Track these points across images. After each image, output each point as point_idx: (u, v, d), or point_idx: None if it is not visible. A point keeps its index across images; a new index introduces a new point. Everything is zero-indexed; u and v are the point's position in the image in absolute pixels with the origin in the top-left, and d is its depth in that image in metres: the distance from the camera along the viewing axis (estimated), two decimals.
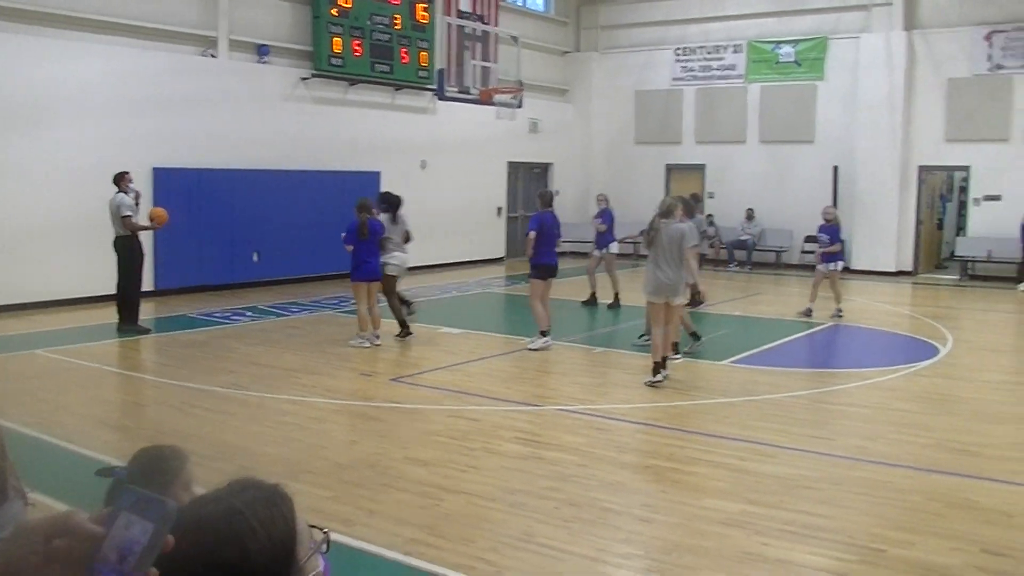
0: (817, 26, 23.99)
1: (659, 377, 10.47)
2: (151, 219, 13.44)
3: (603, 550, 5.95)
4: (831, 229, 15.87)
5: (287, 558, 1.35)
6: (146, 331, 13.46)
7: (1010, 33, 21.28)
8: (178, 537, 1.07)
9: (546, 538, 6.05)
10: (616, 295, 16.70)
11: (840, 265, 15.96)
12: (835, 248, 15.81)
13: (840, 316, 15.54)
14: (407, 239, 13.37)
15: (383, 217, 13.17)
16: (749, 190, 24.54)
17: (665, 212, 10.84)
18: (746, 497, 6.89)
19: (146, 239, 15.51)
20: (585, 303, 16.89)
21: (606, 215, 17.07)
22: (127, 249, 13.37)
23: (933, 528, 6.34)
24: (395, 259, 13.14)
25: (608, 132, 27.41)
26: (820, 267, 15.99)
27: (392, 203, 13.44)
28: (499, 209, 25.00)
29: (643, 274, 11.23)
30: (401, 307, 13.31)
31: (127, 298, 13.45)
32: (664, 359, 10.63)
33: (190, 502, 1.34)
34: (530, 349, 12.55)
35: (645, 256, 11.04)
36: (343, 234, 12.64)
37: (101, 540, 0.98)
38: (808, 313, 15.65)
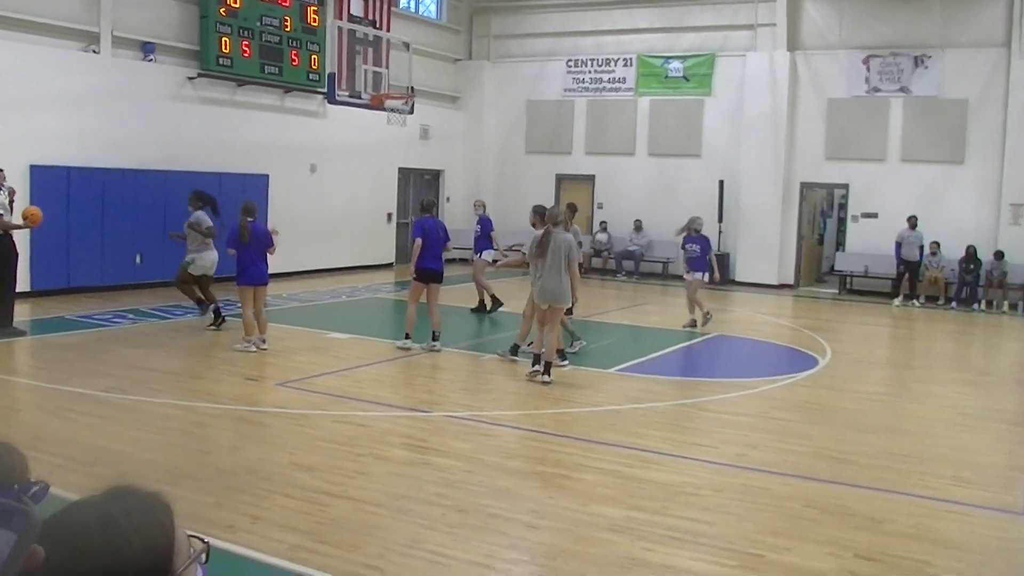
0: (705, 43, 24.51)
1: (549, 378, 10.95)
2: (25, 218, 12.99)
3: (490, 556, 5.96)
4: (701, 239, 15.94)
5: (163, 568, 1.32)
6: (21, 333, 13.01)
7: (886, 58, 22.11)
8: (49, 546, 1.03)
9: (433, 544, 6.04)
10: (481, 301, 16.74)
11: (705, 276, 16.00)
12: (693, 255, 15.88)
13: (694, 327, 15.74)
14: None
15: (202, 213, 14.02)
16: (638, 201, 24.92)
17: (556, 221, 10.98)
18: (631, 503, 6.99)
19: (21, 238, 15.01)
20: (474, 310, 16.90)
21: (484, 221, 17.03)
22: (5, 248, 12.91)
23: (809, 534, 6.52)
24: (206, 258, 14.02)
25: (499, 140, 27.52)
26: (687, 277, 16.10)
27: (208, 201, 14.18)
28: (389, 215, 24.88)
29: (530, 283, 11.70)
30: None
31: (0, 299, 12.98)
32: (549, 364, 11.04)
33: (64, 508, 1.30)
34: (397, 347, 12.89)
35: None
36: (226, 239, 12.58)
37: None
38: (693, 324, 15.86)
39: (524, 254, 11.82)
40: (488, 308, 16.79)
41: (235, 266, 12.65)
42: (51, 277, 16.33)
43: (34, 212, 13.00)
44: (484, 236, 16.86)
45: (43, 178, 16.04)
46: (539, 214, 12.08)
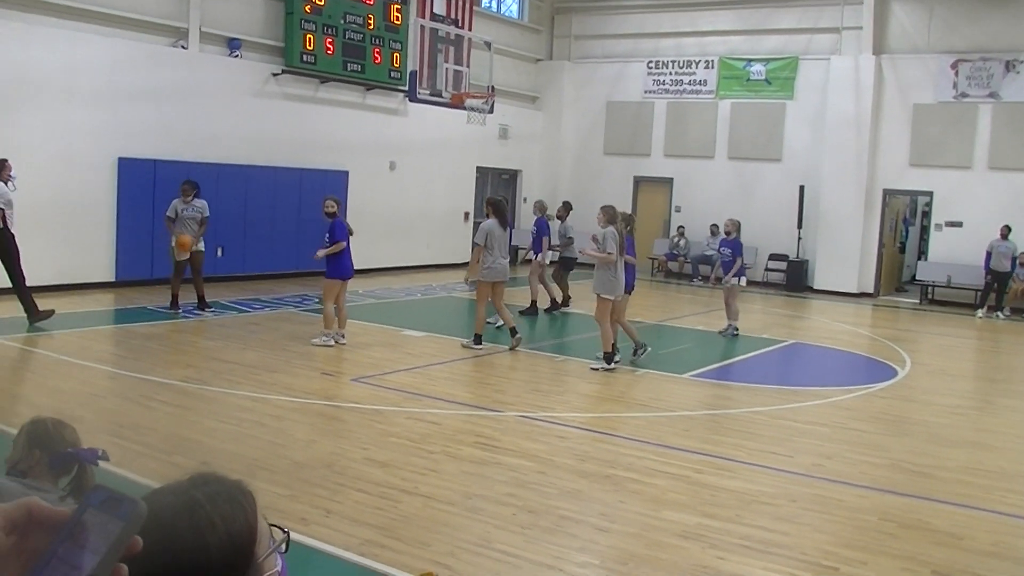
0: (788, 46, 24.20)
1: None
2: (179, 246, 14.17)
3: (560, 558, 5.95)
4: (733, 243, 15.60)
5: (246, 555, 1.33)
6: (50, 313, 12.99)
7: (975, 63, 21.60)
8: (152, 527, 1.05)
9: (503, 544, 6.04)
10: (534, 303, 16.73)
11: (743, 280, 15.70)
12: (737, 263, 15.44)
13: (736, 334, 15.41)
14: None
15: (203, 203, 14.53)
16: (715, 205, 24.67)
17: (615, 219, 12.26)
18: (703, 510, 6.92)
19: (105, 228, 15.44)
20: (547, 310, 16.91)
21: (540, 223, 16.99)
22: (5, 241, 12.89)
23: (886, 548, 6.40)
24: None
25: (577, 141, 27.48)
26: (724, 281, 15.65)
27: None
28: (466, 214, 24.98)
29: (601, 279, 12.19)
30: None
31: (20, 290, 12.95)
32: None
33: (150, 493, 1.32)
34: (462, 345, 13.02)
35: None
36: (327, 233, 12.57)
37: (68, 531, 0.95)
38: (735, 331, 15.50)
39: (609, 253, 11.93)
40: (549, 307, 16.84)
41: (329, 259, 12.61)
42: (135, 268, 16.70)
43: (184, 242, 14.07)
44: (539, 239, 16.83)
45: (130, 170, 16.41)
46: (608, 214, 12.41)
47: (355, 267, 12.72)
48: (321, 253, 12.50)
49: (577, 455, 8.28)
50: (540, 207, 17.75)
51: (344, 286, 12.74)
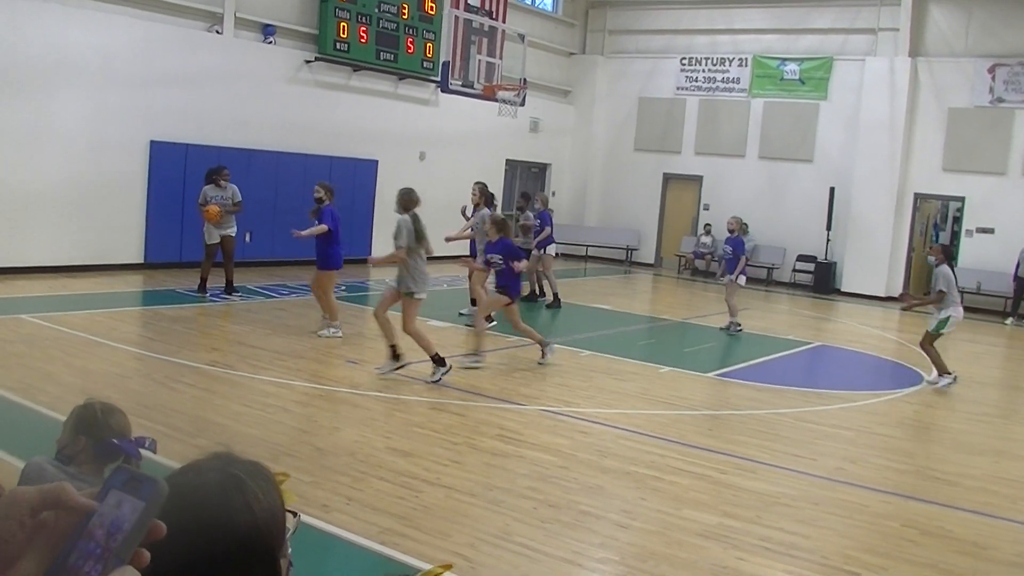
0: (823, 46, 24.04)
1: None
2: (207, 215, 14.35)
3: (579, 553, 5.95)
4: (735, 241, 15.66)
5: (281, 530, 1.35)
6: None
7: (1013, 67, 21.36)
8: (179, 507, 1.05)
9: (523, 537, 6.05)
10: (556, 296, 16.70)
11: (741, 279, 15.61)
12: (741, 262, 15.52)
13: (740, 330, 15.47)
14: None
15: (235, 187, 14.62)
16: (745, 205, 24.51)
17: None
18: (724, 510, 6.90)
19: (135, 210, 15.59)
20: (549, 305, 16.89)
21: (544, 216, 16.92)
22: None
23: (907, 555, 6.36)
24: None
25: (608, 136, 27.41)
26: (723, 279, 15.84)
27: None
28: (495, 206, 24.91)
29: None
30: None
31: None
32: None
33: (179, 471, 1.32)
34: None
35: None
36: (316, 219, 12.46)
37: (91, 514, 0.96)
38: (738, 327, 15.57)
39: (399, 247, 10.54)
40: (552, 303, 16.81)
41: (321, 250, 12.42)
42: (164, 251, 16.81)
43: (213, 212, 14.22)
44: (548, 231, 16.79)
45: (162, 154, 16.51)
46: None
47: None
48: (301, 233, 12.24)
49: (599, 451, 8.27)
50: (543, 200, 17.68)
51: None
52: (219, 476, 1.30)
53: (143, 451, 3.35)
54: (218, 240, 14.46)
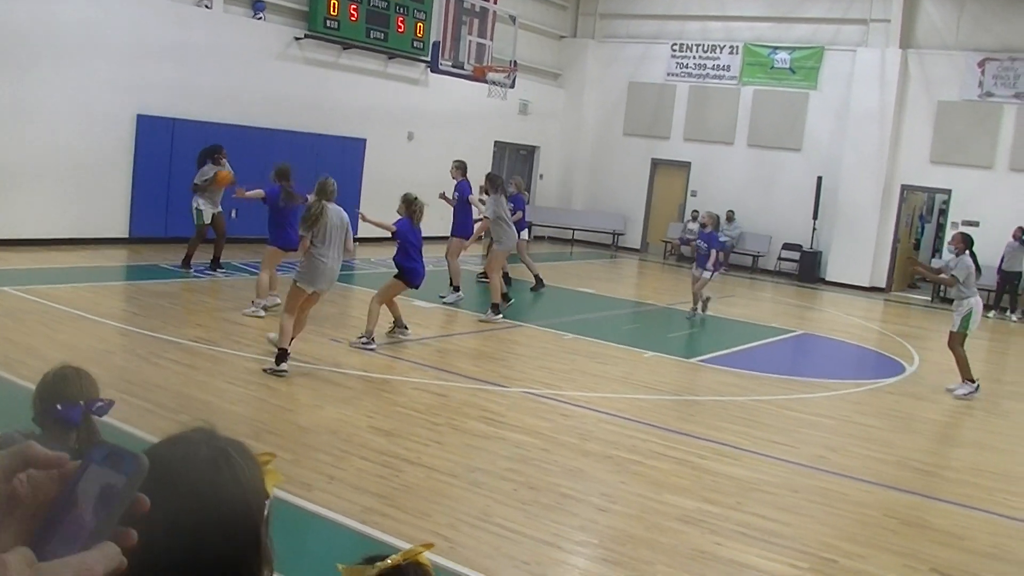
0: (815, 35, 24.03)
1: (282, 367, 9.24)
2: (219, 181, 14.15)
3: (559, 535, 5.97)
4: (709, 236, 15.49)
5: (263, 507, 1.34)
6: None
7: (1003, 62, 21.40)
8: (167, 479, 1.03)
9: (504, 519, 6.06)
10: (538, 277, 16.65)
11: (712, 275, 15.48)
12: (712, 256, 15.37)
13: (693, 316, 15.47)
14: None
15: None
16: (732, 192, 24.60)
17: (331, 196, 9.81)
18: (704, 496, 6.93)
19: (121, 184, 15.50)
20: (533, 288, 16.81)
21: (518, 200, 16.79)
22: None
23: (886, 544, 6.40)
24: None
25: (597, 120, 27.37)
26: (695, 272, 15.63)
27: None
28: (482, 187, 24.87)
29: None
30: None
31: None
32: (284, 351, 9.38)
33: (165, 442, 1.30)
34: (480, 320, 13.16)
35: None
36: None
37: (68, 477, 0.94)
38: (694, 314, 15.59)
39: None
40: (535, 286, 16.76)
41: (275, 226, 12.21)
42: (150, 226, 16.71)
43: (225, 176, 14.06)
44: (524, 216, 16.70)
45: (149, 128, 16.40)
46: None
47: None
48: (244, 193, 12.04)
49: (581, 434, 8.29)
50: (516, 184, 17.58)
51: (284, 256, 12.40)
52: (208, 450, 1.28)
53: (104, 417, 3.29)
54: (210, 220, 14.40)
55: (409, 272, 11.11)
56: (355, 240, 10.33)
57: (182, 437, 1.30)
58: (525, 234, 17.10)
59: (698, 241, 15.69)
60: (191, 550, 1.18)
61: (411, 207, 11.05)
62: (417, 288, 11.46)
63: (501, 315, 13.20)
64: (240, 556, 1.26)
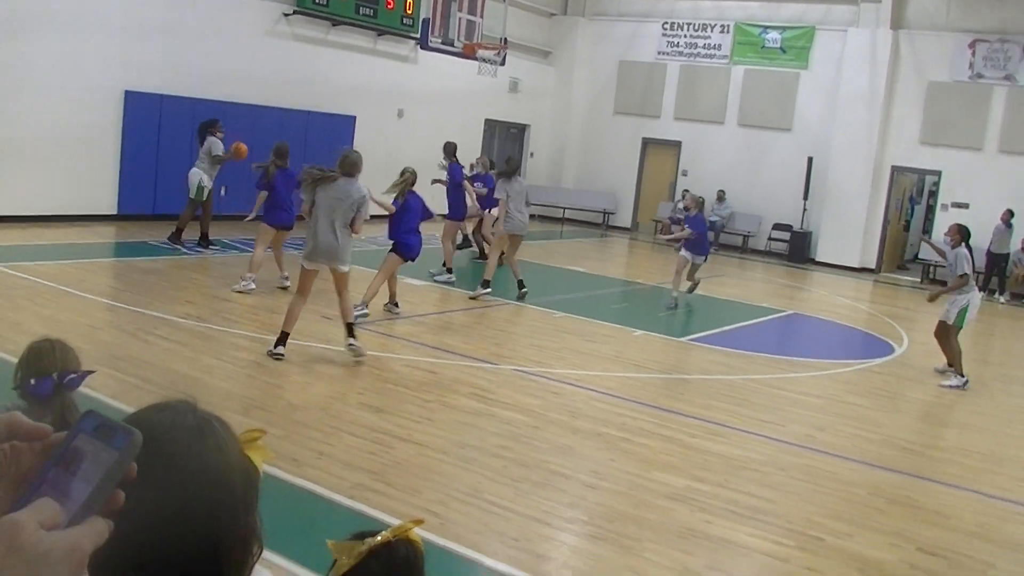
0: (806, 15, 23.98)
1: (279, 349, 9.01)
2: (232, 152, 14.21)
3: (549, 512, 5.99)
4: (695, 220, 14.82)
5: (252, 483, 1.33)
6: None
7: (993, 44, 21.40)
8: (152, 445, 1.01)
9: (493, 495, 6.08)
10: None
11: (700, 259, 14.81)
12: (686, 235, 14.76)
13: (674, 307, 14.48)
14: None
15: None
16: (723, 171, 24.58)
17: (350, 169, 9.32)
18: (693, 474, 6.96)
19: (109, 161, 15.44)
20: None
21: (488, 179, 16.65)
22: None
23: (872, 522, 6.44)
24: None
25: (587, 99, 27.30)
26: (683, 255, 14.78)
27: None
28: (472, 166, 24.83)
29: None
30: None
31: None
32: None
33: (149, 408, 1.28)
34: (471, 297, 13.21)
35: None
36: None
37: (53, 457, 0.92)
38: (675, 305, 14.63)
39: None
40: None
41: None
42: (138, 202, 16.61)
43: (240, 148, 14.12)
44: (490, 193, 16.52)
45: (136, 104, 16.28)
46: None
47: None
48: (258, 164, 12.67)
49: (570, 411, 8.31)
50: (483, 164, 17.52)
51: (280, 235, 12.61)
52: (194, 418, 1.26)
53: (93, 392, 3.29)
54: (206, 197, 14.42)
55: (404, 246, 11.27)
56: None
57: (167, 405, 1.28)
58: (493, 211, 16.85)
59: (686, 227, 15.11)
60: (174, 519, 1.17)
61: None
62: (413, 261, 11.65)
63: (489, 291, 13.19)
64: (223, 528, 1.25)
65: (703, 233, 14.96)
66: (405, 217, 11.32)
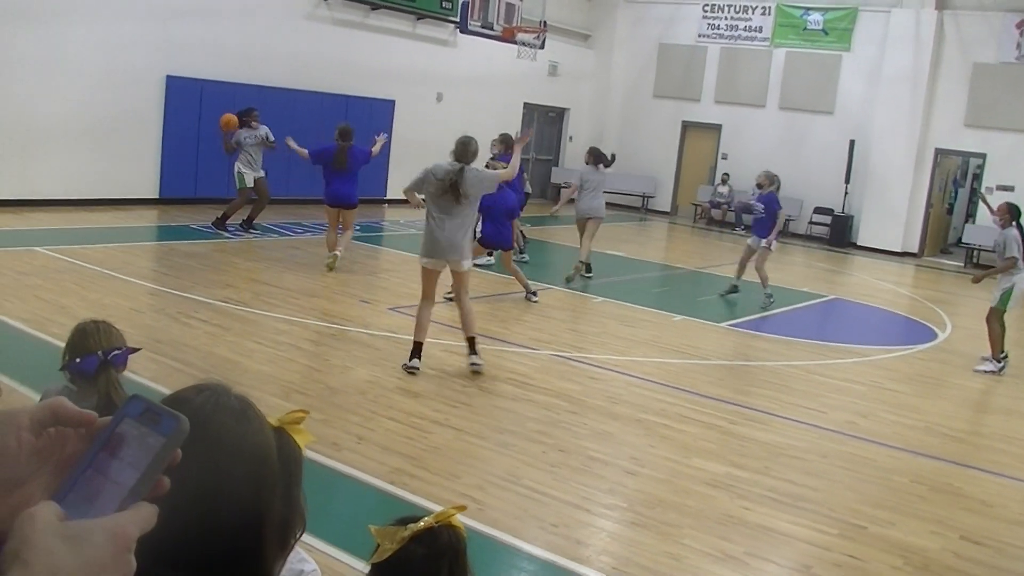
0: None
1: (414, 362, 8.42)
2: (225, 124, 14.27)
3: (587, 498, 5.98)
4: (767, 198, 13.67)
5: (294, 461, 1.34)
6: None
7: None
8: (197, 425, 1.00)
9: (532, 481, 6.08)
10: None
11: (772, 244, 13.59)
12: (754, 212, 13.81)
13: (770, 303, 13.48)
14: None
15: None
16: (763, 155, 24.26)
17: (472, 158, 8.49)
18: (733, 460, 6.92)
19: (151, 144, 15.55)
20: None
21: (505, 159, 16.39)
22: None
23: (915, 510, 6.37)
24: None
25: (627, 82, 27.15)
26: (750, 241, 13.97)
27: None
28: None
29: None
30: None
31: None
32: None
33: (190, 389, 1.28)
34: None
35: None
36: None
37: (97, 441, 0.92)
38: (734, 290, 14.05)
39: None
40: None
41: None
42: (179, 186, 16.76)
43: (227, 120, 14.19)
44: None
45: (178, 89, 16.40)
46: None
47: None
48: (290, 144, 13.27)
49: (609, 397, 8.29)
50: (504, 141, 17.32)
51: (335, 212, 12.90)
52: (235, 400, 1.28)
53: (133, 375, 3.34)
54: (252, 184, 14.50)
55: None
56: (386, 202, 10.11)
57: (206, 386, 1.29)
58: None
59: (755, 204, 13.97)
60: (221, 499, 1.18)
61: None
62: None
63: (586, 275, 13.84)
64: (266, 505, 1.26)
65: (775, 213, 13.54)
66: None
